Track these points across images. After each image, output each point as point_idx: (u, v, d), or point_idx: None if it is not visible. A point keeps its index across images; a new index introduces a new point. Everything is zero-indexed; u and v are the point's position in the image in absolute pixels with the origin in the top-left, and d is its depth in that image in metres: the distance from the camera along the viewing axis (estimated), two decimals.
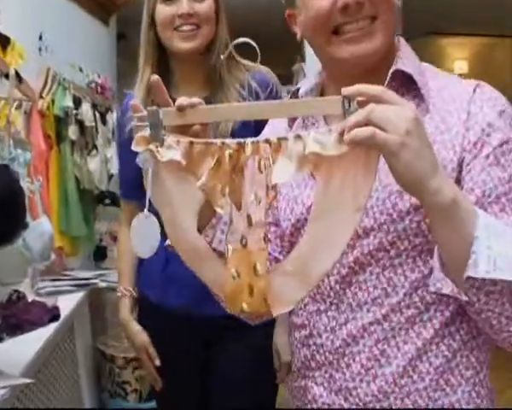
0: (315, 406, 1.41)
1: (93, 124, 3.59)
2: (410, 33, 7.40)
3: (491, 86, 1.34)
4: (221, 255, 1.23)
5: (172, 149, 1.17)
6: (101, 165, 3.67)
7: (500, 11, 6.88)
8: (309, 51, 4.29)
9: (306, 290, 1.18)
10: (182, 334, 2.21)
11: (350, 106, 1.07)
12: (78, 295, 3.31)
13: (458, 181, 1.25)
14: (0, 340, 2.56)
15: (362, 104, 1.06)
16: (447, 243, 1.13)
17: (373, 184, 1.09)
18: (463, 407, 1.29)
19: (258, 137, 1.14)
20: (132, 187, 2.13)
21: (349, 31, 1.29)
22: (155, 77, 1.22)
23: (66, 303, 3.05)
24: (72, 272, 3.60)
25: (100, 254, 4.46)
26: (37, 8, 3.65)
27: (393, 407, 1.30)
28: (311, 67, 5.46)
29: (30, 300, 2.93)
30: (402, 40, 1.42)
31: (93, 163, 3.55)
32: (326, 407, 1.38)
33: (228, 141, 1.14)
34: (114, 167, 3.97)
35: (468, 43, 9.37)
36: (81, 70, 4.02)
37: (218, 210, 1.16)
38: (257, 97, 2.09)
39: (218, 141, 1.15)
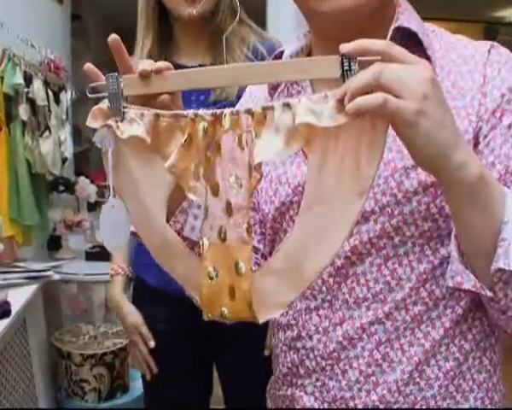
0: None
1: (46, 103, 3.38)
2: None
3: (504, 48, 1.17)
4: (194, 246, 1.07)
5: (135, 124, 0.98)
6: (55, 147, 3.46)
7: None
8: (271, 30, 4.08)
9: (298, 292, 0.98)
10: (182, 321, 2.06)
11: (350, 66, 0.87)
12: (31, 288, 3.11)
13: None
14: None
15: (365, 64, 0.86)
16: (471, 228, 0.96)
17: (380, 163, 0.89)
18: None
19: (237, 108, 0.94)
20: None
21: None
22: (113, 36, 1.02)
23: (18, 297, 2.88)
24: (24, 263, 3.39)
25: (54, 244, 4.31)
26: None
27: None
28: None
29: None
30: None
31: (46, 145, 3.34)
32: None
33: (201, 112, 0.94)
34: (68, 150, 3.78)
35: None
36: (33, 46, 3.79)
37: (191, 196, 0.97)
38: (262, 59, 1.98)
39: (190, 112, 0.95)
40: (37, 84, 3.30)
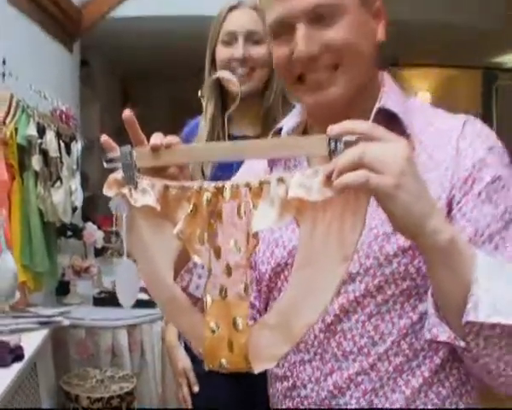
0: None
1: (58, 154, 3.51)
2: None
3: (480, 121, 1.33)
4: (197, 302, 1.17)
5: (147, 194, 1.10)
6: (66, 197, 3.59)
7: (460, 44, 7.01)
8: None
9: (290, 346, 1.09)
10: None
11: (336, 146, 0.99)
12: (42, 333, 3.22)
13: (449, 220, 1.19)
14: None
15: (349, 143, 0.98)
16: (445, 285, 1.08)
17: (362, 231, 1.01)
18: None
19: (237, 180, 1.07)
20: None
21: (310, 79, 1.27)
22: (127, 112, 1.15)
23: (29, 342, 2.98)
24: (34, 308, 3.50)
25: (62, 289, 4.40)
26: (0, 31, 3.58)
27: None
28: None
29: None
30: (386, 75, 1.39)
31: (57, 195, 3.47)
32: None
33: (205, 184, 1.06)
34: (79, 199, 3.91)
35: (430, 75, 9.54)
36: (45, 97, 3.93)
37: (196, 259, 1.08)
38: None
39: (195, 184, 1.07)
40: (50, 136, 3.43)
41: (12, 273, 2.60)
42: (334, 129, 0.99)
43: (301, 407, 1.32)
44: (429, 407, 1.23)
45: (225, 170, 1.72)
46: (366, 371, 1.24)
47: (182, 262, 1.20)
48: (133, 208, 1.10)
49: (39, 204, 3.37)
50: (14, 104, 3.32)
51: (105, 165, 1.14)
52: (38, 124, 3.44)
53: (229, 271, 1.06)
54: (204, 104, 2.33)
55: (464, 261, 1.05)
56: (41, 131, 3.44)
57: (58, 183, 3.52)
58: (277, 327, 1.07)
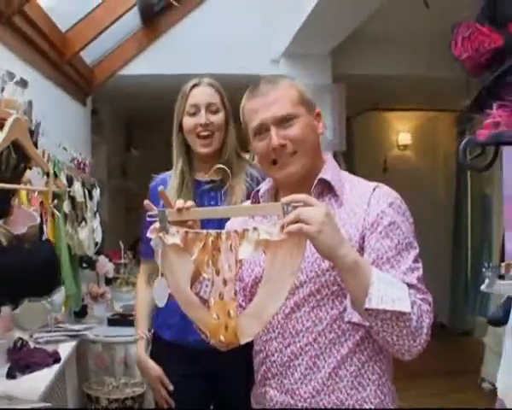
0: (272, 404, 2.04)
1: (83, 200, 4.16)
2: (357, 108, 8.07)
3: (386, 186, 2.03)
4: (205, 302, 1.90)
5: (174, 236, 1.83)
6: (89, 234, 4.24)
7: (437, 91, 7.54)
8: None
9: (261, 327, 1.86)
10: (193, 366, 2.79)
11: (287, 208, 1.74)
12: (70, 345, 3.89)
13: (362, 249, 1.92)
14: (13, 377, 3.17)
15: (294, 207, 1.73)
16: (353, 289, 1.80)
17: (303, 258, 1.78)
18: (372, 400, 1.95)
19: (228, 228, 1.84)
20: (150, 248, 2.83)
21: (279, 162, 2.02)
22: (161, 188, 1.90)
23: (61, 351, 3.62)
24: (63, 325, 4.19)
25: (81, 312, 4.98)
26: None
27: (324, 401, 1.94)
28: None
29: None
30: (329, 156, 2.13)
31: (83, 233, 4.10)
32: (279, 405, 2.01)
33: (210, 231, 1.81)
34: (99, 236, 4.57)
35: (410, 117, 10.04)
36: (65, 149, 4.48)
37: (205, 275, 1.83)
38: (257, 182, 2.73)
39: (204, 231, 1.82)
40: (78, 185, 4.08)
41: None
42: (285, 199, 1.75)
43: (272, 368, 2.04)
44: (353, 367, 1.94)
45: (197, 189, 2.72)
46: (311, 343, 1.96)
47: (195, 277, 1.93)
48: (166, 245, 1.85)
49: (68, 240, 3.99)
50: (46, 159, 3.94)
51: (148, 219, 1.86)
52: (66, 175, 4.10)
53: (225, 282, 1.81)
54: (174, 160, 2.89)
55: (364, 274, 1.75)
56: (69, 181, 4.08)
57: (83, 223, 4.16)
58: (253, 316, 1.82)
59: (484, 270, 2.13)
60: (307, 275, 1.96)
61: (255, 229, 1.77)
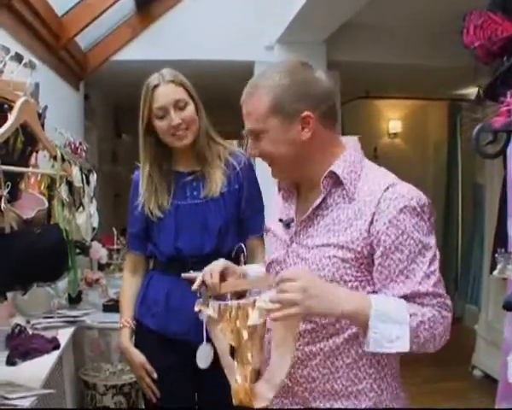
0: None
1: (81, 185, 4.14)
2: (348, 96, 8.11)
3: (401, 185, 1.91)
4: None
5: (212, 309, 2.02)
6: (87, 220, 4.22)
7: (429, 77, 7.53)
8: None
9: (275, 391, 1.93)
10: (178, 356, 2.79)
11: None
12: (69, 331, 3.88)
13: (364, 253, 1.89)
14: (13, 364, 3.16)
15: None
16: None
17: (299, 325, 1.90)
18: (367, 393, 1.93)
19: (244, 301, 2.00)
20: (136, 240, 2.87)
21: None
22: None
23: (58, 337, 3.59)
24: (61, 311, 4.18)
25: (76, 298, 4.88)
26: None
27: (319, 389, 1.96)
28: None
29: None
30: (351, 142, 2.05)
31: (80, 218, 4.08)
32: None
33: (232, 303, 2.01)
34: (96, 221, 4.56)
35: (401, 105, 10.09)
36: (61, 134, 4.44)
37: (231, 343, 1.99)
38: (233, 169, 2.84)
39: (231, 303, 2.00)
40: (76, 170, 4.06)
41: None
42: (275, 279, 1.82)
43: None
44: (350, 359, 1.93)
45: (180, 199, 2.81)
46: (308, 330, 1.97)
47: None
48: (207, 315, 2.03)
49: (65, 225, 3.99)
50: None
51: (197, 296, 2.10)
52: (63, 159, 4.07)
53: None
54: (142, 160, 2.88)
55: (363, 319, 1.77)
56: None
57: (81, 208, 4.15)
58: (267, 381, 1.91)
59: (496, 256, 2.15)
60: (312, 269, 1.96)
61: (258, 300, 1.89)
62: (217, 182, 2.80)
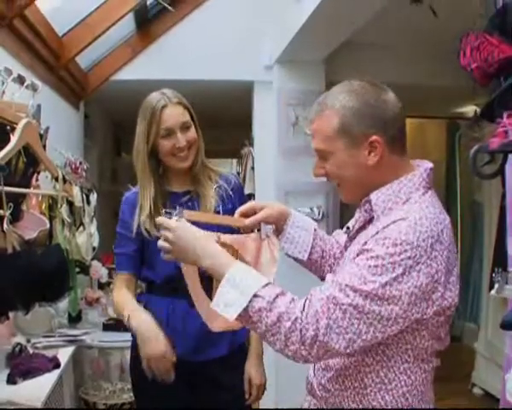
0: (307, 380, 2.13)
1: (81, 204, 4.16)
2: None
3: (408, 222, 1.79)
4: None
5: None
6: (87, 239, 4.23)
7: (429, 96, 7.53)
8: (257, 135, 5.07)
9: None
10: (177, 375, 2.67)
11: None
12: (68, 350, 3.90)
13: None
14: (14, 383, 3.17)
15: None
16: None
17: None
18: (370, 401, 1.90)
19: None
20: (127, 260, 2.87)
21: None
22: None
23: (59, 356, 3.65)
24: (60, 330, 4.20)
25: (76, 317, 4.90)
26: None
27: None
28: (258, 149, 6.21)
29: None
30: (417, 172, 1.97)
31: (81, 238, 4.10)
32: (310, 385, 2.09)
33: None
34: (96, 241, 4.57)
35: None
36: (61, 154, 4.47)
37: None
38: (225, 190, 2.88)
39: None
40: (76, 190, 4.08)
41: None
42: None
43: None
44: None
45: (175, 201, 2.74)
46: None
47: None
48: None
49: (66, 245, 4.01)
50: None
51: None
52: (65, 179, 4.09)
53: None
54: (145, 181, 2.83)
55: (219, 275, 1.86)
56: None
57: (81, 228, 4.17)
58: None
59: (494, 275, 2.17)
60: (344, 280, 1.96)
61: None
62: (211, 201, 2.82)
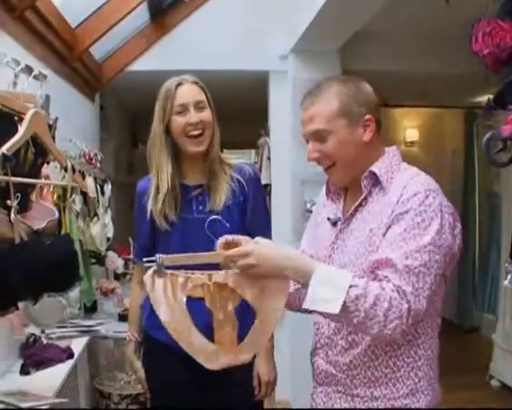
0: (318, 371, 2.23)
1: (95, 195, 4.17)
2: None
3: (424, 176, 2.11)
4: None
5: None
6: (101, 230, 4.24)
7: (445, 85, 7.51)
8: (273, 125, 5.05)
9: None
10: (184, 369, 2.72)
11: None
12: (83, 340, 3.90)
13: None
14: (27, 373, 3.18)
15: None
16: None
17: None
18: (405, 381, 2.06)
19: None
20: (144, 251, 2.85)
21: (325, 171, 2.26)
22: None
23: (74, 347, 3.65)
24: (75, 320, 4.19)
25: (91, 307, 4.91)
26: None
27: (360, 376, 2.09)
28: (274, 139, 6.18)
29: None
30: (392, 148, 2.22)
31: (95, 228, 4.11)
32: (323, 373, 2.20)
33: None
34: (110, 232, 4.57)
35: (418, 114, 10.08)
36: (76, 145, 4.49)
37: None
38: (238, 182, 2.84)
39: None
40: (90, 181, 4.10)
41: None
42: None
43: (321, 340, 2.22)
44: (388, 347, 2.05)
45: (187, 213, 2.78)
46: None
47: None
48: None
49: (80, 235, 4.01)
50: None
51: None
52: (79, 170, 4.10)
53: None
54: (157, 163, 2.83)
55: (305, 277, 1.93)
56: (81, 176, 4.09)
57: (95, 218, 4.18)
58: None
59: (507, 265, 2.15)
60: (350, 259, 2.10)
61: None
62: (221, 195, 2.79)
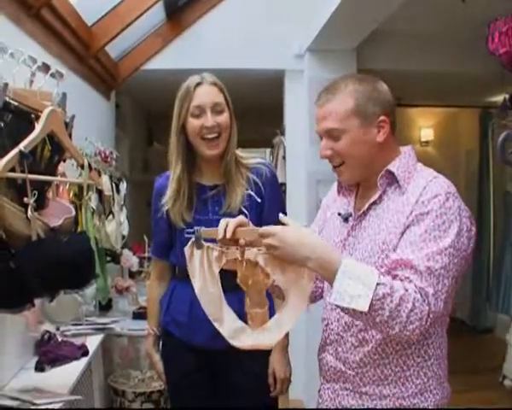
0: (327, 368, 2.23)
1: (111, 193, 4.17)
2: None
3: (443, 178, 2.08)
4: None
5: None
6: (117, 228, 4.25)
7: (461, 84, 7.47)
8: (288, 124, 5.03)
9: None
10: (198, 361, 2.84)
11: None
12: (98, 338, 3.92)
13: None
14: (42, 370, 3.19)
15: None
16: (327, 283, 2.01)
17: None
18: (414, 380, 2.05)
19: None
20: (161, 248, 2.88)
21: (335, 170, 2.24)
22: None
23: (87, 344, 3.68)
24: (90, 318, 4.21)
25: (106, 305, 4.99)
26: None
27: (370, 373, 2.08)
28: (289, 139, 6.18)
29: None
30: (407, 148, 2.19)
31: (110, 226, 4.11)
32: (332, 370, 2.20)
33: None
34: (126, 230, 4.59)
35: (433, 113, 10.03)
36: (91, 143, 4.50)
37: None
38: (255, 184, 2.82)
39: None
40: (105, 179, 4.10)
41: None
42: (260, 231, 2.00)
43: (330, 337, 2.20)
44: (399, 346, 2.04)
45: (202, 214, 2.75)
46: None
47: None
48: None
49: (95, 233, 4.02)
50: None
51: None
52: (94, 168, 4.10)
53: None
54: (173, 163, 2.83)
55: (331, 270, 1.88)
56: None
57: (110, 216, 4.18)
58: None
59: None
60: (363, 256, 2.09)
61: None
62: (237, 197, 2.77)
